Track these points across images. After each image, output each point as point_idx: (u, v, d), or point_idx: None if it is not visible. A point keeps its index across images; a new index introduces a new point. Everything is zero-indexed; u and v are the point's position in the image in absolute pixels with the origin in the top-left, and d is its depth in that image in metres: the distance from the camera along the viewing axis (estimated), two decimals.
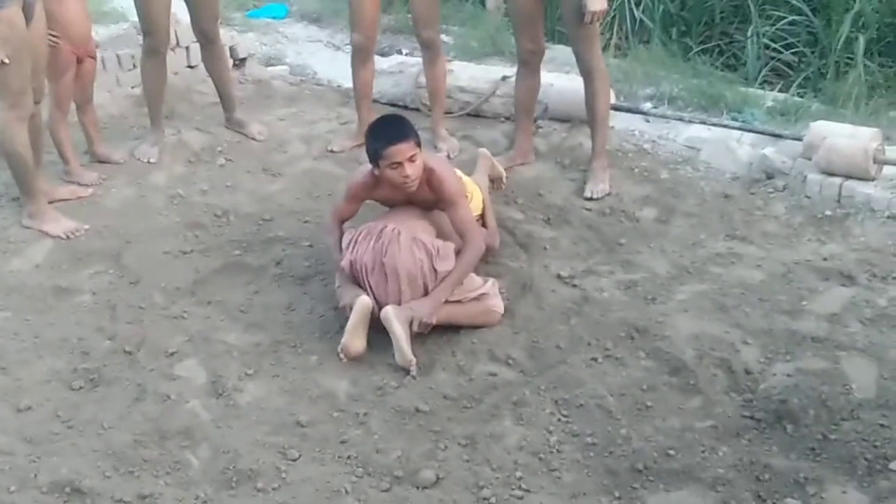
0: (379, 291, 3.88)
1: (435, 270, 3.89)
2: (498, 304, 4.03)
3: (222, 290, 4.29)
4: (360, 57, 5.44)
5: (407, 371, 3.72)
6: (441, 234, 4.08)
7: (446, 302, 3.89)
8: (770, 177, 5.02)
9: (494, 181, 4.87)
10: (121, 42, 6.15)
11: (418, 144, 3.93)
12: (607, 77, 5.03)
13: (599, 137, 5.02)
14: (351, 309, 3.83)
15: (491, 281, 4.10)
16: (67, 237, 4.61)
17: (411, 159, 3.88)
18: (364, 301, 3.82)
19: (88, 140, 5.30)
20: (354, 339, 3.79)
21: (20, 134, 4.45)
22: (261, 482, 3.19)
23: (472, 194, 4.33)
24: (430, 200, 4.07)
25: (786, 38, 6.89)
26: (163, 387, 3.65)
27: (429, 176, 3.99)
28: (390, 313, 3.76)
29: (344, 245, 4.00)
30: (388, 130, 3.93)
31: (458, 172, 4.32)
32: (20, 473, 3.18)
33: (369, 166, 4.01)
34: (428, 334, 3.89)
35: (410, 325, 3.80)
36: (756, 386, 3.57)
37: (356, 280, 3.94)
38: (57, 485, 3.14)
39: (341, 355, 3.80)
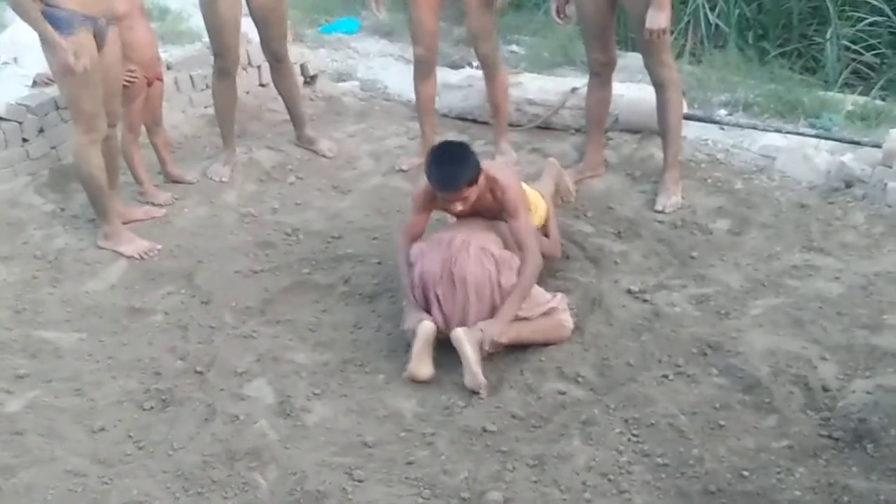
0: (446, 302, 3.85)
1: (500, 285, 3.85)
2: (567, 319, 3.98)
3: (291, 309, 4.31)
4: (422, 71, 5.42)
5: (476, 393, 3.68)
6: (508, 246, 4.04)
7: (515, 319, 3.85)
8: (849, 185, 4.88)
9: (562, 194, 4.81)
10: (194, 62, 6.23)
11: (472, 183, 3.87)
12: (679, 87, 4.94)
13: (671, 149, 4.93)
14: (414, 334, 3.82)
15: (560, 295, 4.05)
16: (142, 257, 4.68)
17: (463, 199, 3.88)
18: (426, 326, 3.80)
19: (161, 161, 5.39)
20: (421, 364, 3.78)
21: (94, 157, 4.55)
22: (328, 503, 3.18)
23: (536, 206, 4.29)
24: (493, 209, 4.04)
25: (867, 40, 6.71)
26: (232, 407, 3.67)
27: (492, 185, 3.97)
28: (461, 335, 3.73)
29: (413, 256, 3.98)
30: (443, 172, 3.88)
31: (523, 184, 4.29)
32: (92, 495, 3.22)
33: None
34: (496, 352, 3.86)
35: (481, 346, 3.76)
36: (834, 404, 3.47)
37: (424, 291, 3.91)
38: None
39: (407, 380, 3.80)
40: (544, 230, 4.37)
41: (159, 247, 4.75)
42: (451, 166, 3.88)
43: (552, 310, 3.94)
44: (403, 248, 4.11)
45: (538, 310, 3.91)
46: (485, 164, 4.01)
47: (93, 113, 4.45)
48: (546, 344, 3.92)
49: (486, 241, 3.95)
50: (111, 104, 4.63)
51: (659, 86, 4.85)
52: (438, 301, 3.87)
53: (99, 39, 4.36)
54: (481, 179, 3.91)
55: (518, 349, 3.89)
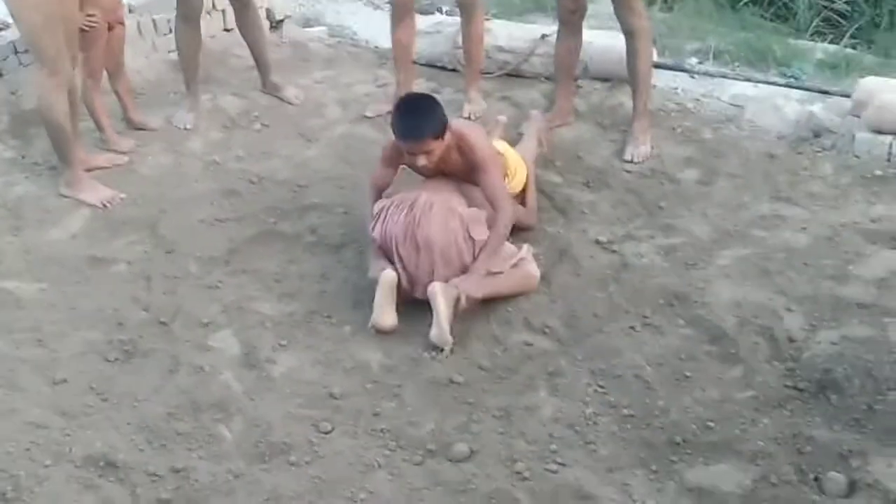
0: (409, 264, 3.81)
1: (472, 239, 3.82)
2: (534, 269, 3.97)
3: (256, 259, 4.26)
4: (399, 14, 5.33)
5: (440, 350, 3.66)
6: (473, 204, 4.01)
7: (487, 274, 3.82)
8: (817, 135, 4.87)
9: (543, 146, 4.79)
10: (156, 6, 6.09)
11: (438, 136, 3.81)
12: (650, 35, 4.88)
13: (641, 98, 4.90)
14: (376, 283, 3.79)
15: (526, 246, 4.03)
16: (104, 206, 4.61)
17: (426, 152, 3.81)
18: (388, 275, 3.77)
19: (123, 107, 5.29)
20: (384, 314, 3.75)
21: (60, 101, 4.45)
22: (293, 455, 3.18)
23: (515, 171, 4.25)
24: (460, 167, 3.98)
25: None
26: (197, 358, 3.64)
27: (458, 141, 3.91)
28: (437, 290, 3.69)
29: (374, 213, 3.95)
30: (407, 122, 3.82)
31: (505, 146, 4.26)
32: (55, 447, 3.19)
33: None
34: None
35: (458, 303, 3.73)
36: (799, 354, 3.49)
37: (386, 251, 3.88)
38: (91, 458, 3.15)
39: (373, 331, 3.77)
40: (521, 198, 4.30)
41: (123, 195, 4.67)
42: (415, 117, 3.82)
43: (520, 261, 3.93)
44: (371, 197, 4.09)
45: (508, 263, 3.89)
46: (453, 121, 3.96)
47: (56, 55, 4.33)
48: (515, 295, 3.90)
49: (450, 200, 3.90)
50: (69, 48, 4.52)
51: (629, 34, 4.79)
52: (402, 262, 3.83)
53: None
54: (448, 136, 3.85)
55: (486, 299, 3.88)
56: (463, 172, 3.99)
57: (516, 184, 4.23)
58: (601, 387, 3.43)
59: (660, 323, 3.71)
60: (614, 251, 4.18)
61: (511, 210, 3.95)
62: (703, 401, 3.32)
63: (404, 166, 4.10)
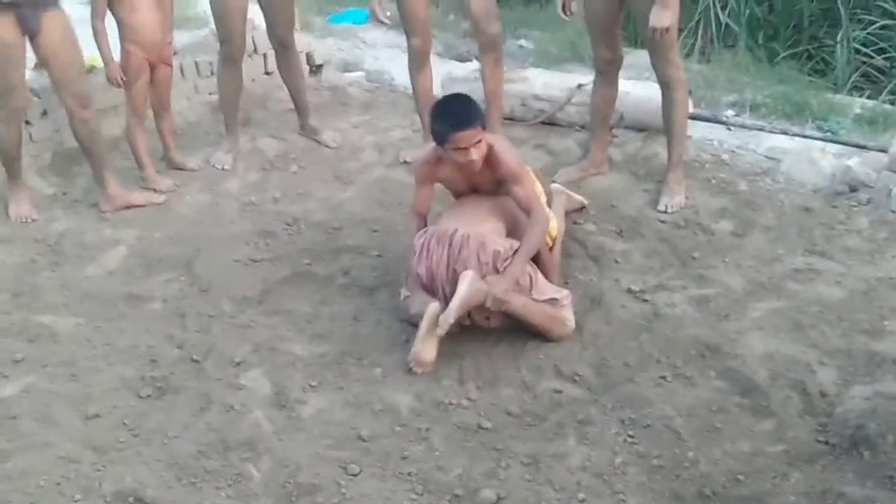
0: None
1: (498, 273, 3.84)
2: (570, 318, 3.97)
3: (290, 300, 4.30)
4: (418, 61, 5.40)
5: (436, 325, 3.70)
6: (511, 227, 4.05)
7: (523, 294, 3.85)
8: (853, 190, 4.85)
9: (576, 208, 4.79)
10: (199, 49, 6.22)
11: (483, 127, 3.89)
12: (685, 86, 4.90)
13: (676, 149, 4.90)
14: (421, 318, 3.79)
15: (567, 292, 4.03)
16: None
17: (476, 144, 3.84)
18: (434, 308, 3.78)
19: (165, 146, 5.38)
20: (426, 347, 3.76)
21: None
22: (321, 497, 3.17)
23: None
24: (491, 181, 4.02)
25: (877, 43, 6.68)
26: (228, 397, 3.66)
27: (489, 155, 3.94)
28: (468, 277, 3.73)
29: (416, 250, 3.96)
30: (454, 115, 3.86)
31: (531, 174, 4.27)
32: (85, 482, 3.21)
33: (433, 144, 3.99)
34: (494, 348, 3.88)
35: (482, 297, 3.76)
36: (832, 409, 3.44)
37: (433, 287, 3.91)
38: (120, 494, 3.16)
39: (412, 364, 3.77)
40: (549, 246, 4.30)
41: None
42: (461, 108, 3.89)
43: (555, 301, 3.93)
44: (414, 225, 4.17)
45: (545, 295, 3.91)
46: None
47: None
48: (545, 335, 3.91)
49: (486, 230, 3.93)
50: (72, 88, 4.69)
51: (665, 84, 4.81)
52: (447, 299, 3.83)
53: (26, 26, 4.44)
54: (486, 143, 3.90)
55: (516, 344, 3.90)
56: (493, 185, 4.03)
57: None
58: (631, 436, 3.40)
59: (691, 374, 3.69)
60: (646, 300, 4.17)
61: (546, 218, 3.98)
62: (734, 453, 3.29)
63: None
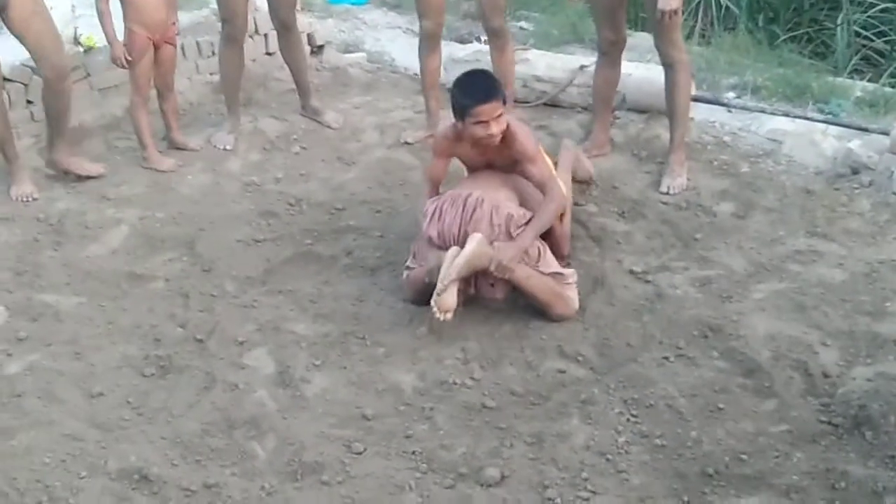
0: None
1: (511, 237, 3.86)
2: (574, 298, 3.98)
3: (293, 280, 4.30)
4: (429, 44, 5.39)
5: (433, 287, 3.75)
6: (524, 200, 4.07)
7: (529, 262, 3.88)
8: (855, 172, 4.85)
9: (581, 177, 4.80)
10: (201, 29, 6.20)
11: (504, 101, 3.92)
12: (688, 68, 4.90)
13: (678, 131, 4.91)
14: (438, 269, 3.78)
15: (572, 271, 4.05)
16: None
17: (497, 117, 3.87)
18: (455, 250, 3.79)
19: (167, 126, 5.37)
20: (448, 293, 3.75)
21: None
22: (325, 475, 3.18)
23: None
24: (506, 159, 4.05)
25: (878, 26, 6.69)
26: (231, 376, 3.67)
27: (505, 133, 3.96)
28: (476, 239, 3.76)
29: (428, 214, 3.99)
30: (476, 88, 3.90)
31: (544, 154, 4.29)
32: (90, 459, 3.23)
33: (451, 120, 4.01)
34: (498, 328, 3.88)
35: (487, 261, 3.78)
36: (834, 390, 3.46)
37: (444, 249, 3.90)
38: (125, 472, 3.18)
39: (435, 310, 3.75)
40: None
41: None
42: (483, 81, 3.94)
43: (559, 276, 3.94)
44: (426, 191, 4.20)
45: (551, 268, 3.93)
46: None
47: None
48: (547, 311, 3.92)
49: (500, 197, 3.96)
50: (51, 58, 4.68)
51: (668, 66, 4.81)
52: None
53: None
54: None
55: (519, 324, 3.91)
56: (508, 163, 4.06)
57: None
58: (634, 416, 3.41)
59: (693, 354, 3.70)
60: (649, 281, 4.18)
61: (561, 196, 4.01)
62: (737, 433, 3.30)
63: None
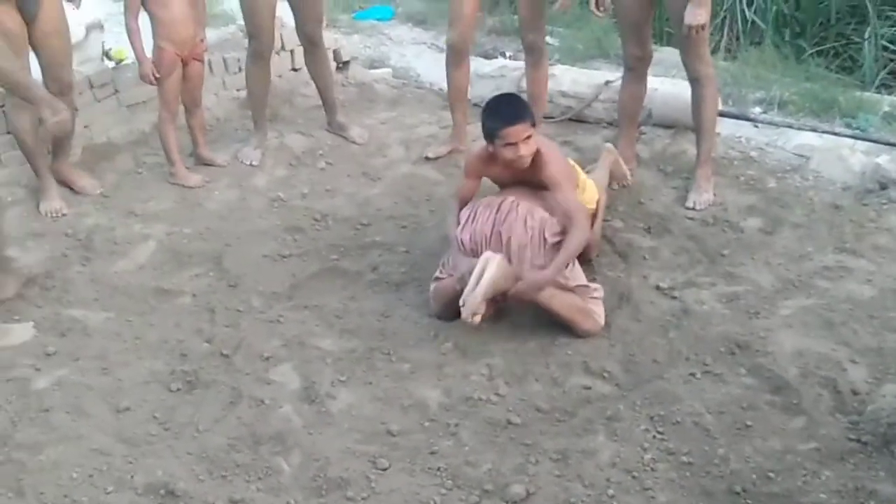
0: None
1: (545, 240, 3.87)
2: (600, 314, 3.98)
3: (318, 295, 4.31)
4: (455, 57, 5.39)
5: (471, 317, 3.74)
6: (554, 215, 4.05)
7: (554, 284, 3.88)
8: (884, 187, 4.81)
9: (618, 180, 4.84)
10: (227, 45, 6.26)
11: (533, 124, 3.95)
12: (715, 83, 4.88)
13: (705, 146, 4.88)
14: (470, 274, 3.78)
15: (598, 286, 4.05)
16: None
17: (526, 140, 3.90)
18: (488, 254, 3.81)
19: (194, 142, 5.40)
20: (478, 301, 3.74)
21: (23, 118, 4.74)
22: (350, 491, 3.18)
23: (585, 185, 4.31)
24: (537, 181, 4.05)
25: None
26: (257, 391, 3.68)
27: (535, 157, 3.99)
28: (496, 261, 3.76)
29: (462, 218, 4.02)
30: (505, 110, 3.95)
31: (574, 164, 4.33)
32: (117, 474, 3.24)
33: (483, 143, 4.05)
34: (523, 344, 3.88)
35: (509, 283, 3.80)
36: (863, 407, 3.42)
37: (475, 252, 3.91)
38: (152, 487, 3.19)
39: (465, 314, 3.75)
40: (591, 220, 4.32)
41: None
42: (511, 104, 3.99)
43: (584, 289, 3.96)
44: (454, 208, 4.19)
45: (575, 281, 3.94)
46: None
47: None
48: (572, 328, 3.91)
49: (534, 204, 3.98)
50: (57, 72, 4.72)
51: (695, 81, 4.80)
52: None
53: (27, 13, 4.48)
54: (535, 141, 3.96)
55: (545, 340, 3.90)
56: (538, 184, 4.06)
57: (586, 199, 4.26)
58: (660, 433, 3.39)
59: (721, 371, 3.68)
60: (675, 297, 4.16)
61: (587, 225, 4.00)
62: (764, 451, 3.28)
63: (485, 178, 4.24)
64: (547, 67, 5.48)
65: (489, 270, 3.73)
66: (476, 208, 4.01)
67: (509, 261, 3.84)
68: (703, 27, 4.51)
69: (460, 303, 3.77)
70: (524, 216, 3.90)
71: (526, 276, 3.82)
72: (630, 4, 4.80)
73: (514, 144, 3.90)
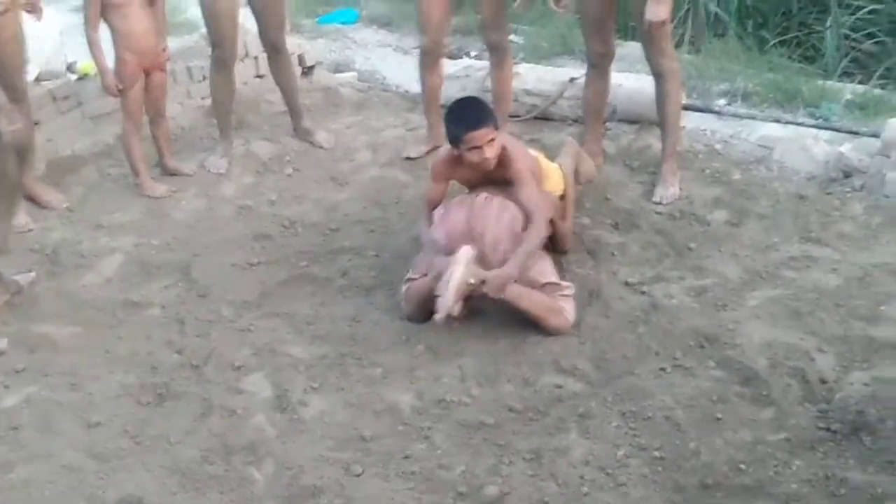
0: None
1: (518, 235, 3.93)
2: (570, 311, 3.99)
3: (288, 302, 4.31)
4: (429, 61, 5.40)
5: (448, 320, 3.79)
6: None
7: (523, 280, 3.92)
8: (847, 176, 4.86)
9: (585, 176, 4.84)
10: (191, 54, 6.22)
11: (496, 127, 3.99)
12: (679, 77, 4.91)
13: (670, 140, 4.91)
14: (449, 263, 3.82)
15: (569, 283, 4.08)
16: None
17: (489, 142, 3.94)
18: (467, 249, 3.84)
19: (160, 153, 5.38)
20: (453, 303, 3.78)
21: None
22: (324, 498, 3.18)
23: (549, 173, 4.35)
24: (504, 179, 4.09)
25: (866, 28, 6.69)
26: (229, 401, 3.67)
27: (501, 154, 4.03)
28: (463, 258, 3.80)
29: (437, 216, 4.07)
30: (467, 115, 3.99)
31: (538, 154, 4.39)
32: (89, 490, 3.23)
33: (449, 147, 4.09)
34: (493, 344, 3.89)
35: (476, 282, 3.82)
36: (832, 396, 3.45)
37: (449, 250, 3.93)
38: (124, 502, 3.18)
39: (440, 315, 3.77)
40: (561, 211, 4.38)
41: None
42: (473, 109, 4.03)
43: (552, 286, 3.98)
44: (426, 214, 4.20)
45: (545, 278, 3.97)
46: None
47: None
48: (541, 325, 3.93)
49: (506, 199, 4.03)
50: (9, 80, 4.66)
51: (659, 76, 4.82)
52: None
53: None
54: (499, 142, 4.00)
55: (516, 340, 3.91)
56: (505, 182, 4.09)
57: (553, 185, 4.33)
58: (632, 429, 3.41)
59: (690, 364, 3.70)
60: (644, 292, 4.18)
61: (545, 223, 4.04)
62: (735, 443, 3.30)
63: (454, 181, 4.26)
64: (511, 66, 5.49)
65: (456, 271, 3.75)
66: (450, 206, 4.05)
67: (484, 255, 3.87)
68: (663, 23, 4.53)
69: (439, 308, 3.79)
70: (497, 211, 3.95)
71: (488, 280, 3.84)
72: (592, 1, 4.81)
73: (479, 148, 3.93)
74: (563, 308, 3.98)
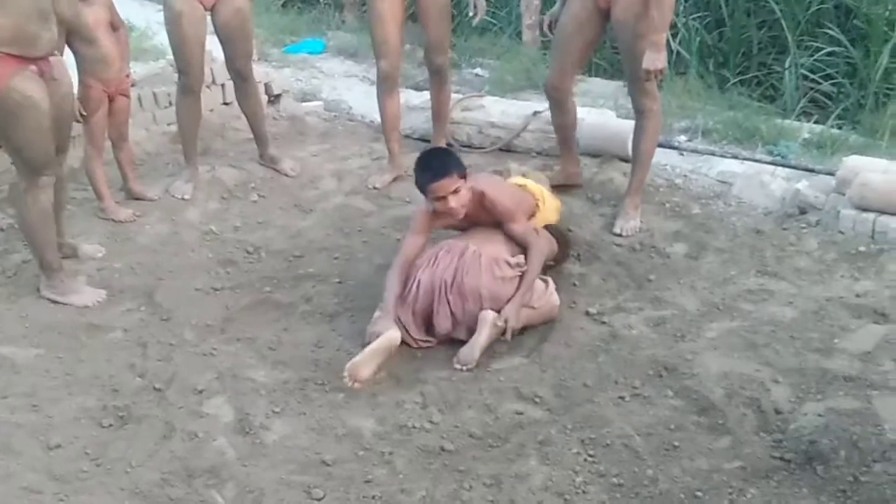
0: (456, 308, 4.06)
1: (520, 277, 4.10)
2: (556, 300, 4.21)
3: (251, 328, 4.32)
4: (387, 86, 5.49)
5: (463, 368, 3.94)
6: (514, 249, 4.25)
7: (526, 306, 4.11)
8: (803, 212, 4.97)
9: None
10: (157, 80, 6.25)
11: (462, 176, 4.08)
12: (659, 118, 4.99)
13: (638, 175, 5.00)
14: (377, 336, 3.90)
15: (549, 280, 4.27)
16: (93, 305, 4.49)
17: (455, 192, 4.03)
18: (394, 337, 3.91)
19: (123, 177, 5.38)
20: (365, 365, 3.83)
21: (43, 202, 4.34)
22: None
23: (543, 196, 4.53)
24: (489, 220, 4.22)
25: (824, 69, 6.86)
26: (191, 424, 3.66)
27: (480, 199, 4.16)
28: (489, 320, 3.99)
29: (424, 261, 4.13)
30: (431, 165, 4.09)
31: (522, 179, 4.55)
32: None
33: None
34: (455, 371, 3.94)
35: (502, 333, 4.04)
36: (786, 426, 3.51)
37: (432, 295, 4.05)
38: None
39: (346, 376, 3.81)
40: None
41: (103, 293, 4.55)
42: (437, 159, 4.15)
43: (544, 296, 4.19)
44: (395, 266, 4.18)
45: (542, 300, 4.15)
46: (471, 178, 4.23)
47: (45, 162, 4.24)
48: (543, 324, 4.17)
49: (496, 250, 4.14)
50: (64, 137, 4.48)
51: (640, 113, 4.91)
52: (449, 306, 4.04)
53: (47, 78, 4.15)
54: (468, 191, 4.11)
55: (478, 368, 3.95)
56: (494, 223, 4.23)
57: (551, 208, 4.54)
58: (591, 455, 3.45)
59: (649, 393, 3.75)
60: (604, 322, 4.24)
61: (543, 248, 4.24)
62: (692, 471, 3.34)
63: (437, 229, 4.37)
64: (450, 88, 5.70)
65: (483, 333, 3.96)
66: (437, 252, 4.12)
67: (480, 307, 4.01)
68: (661, 72, 4.62)
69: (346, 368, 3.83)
70: (489, 267, 4.05)
71: (508, 317, 4.03)
72: (573, 35, 4.90)
73: (444, 198, 4.02)
74: (554, 303, 4.21)
